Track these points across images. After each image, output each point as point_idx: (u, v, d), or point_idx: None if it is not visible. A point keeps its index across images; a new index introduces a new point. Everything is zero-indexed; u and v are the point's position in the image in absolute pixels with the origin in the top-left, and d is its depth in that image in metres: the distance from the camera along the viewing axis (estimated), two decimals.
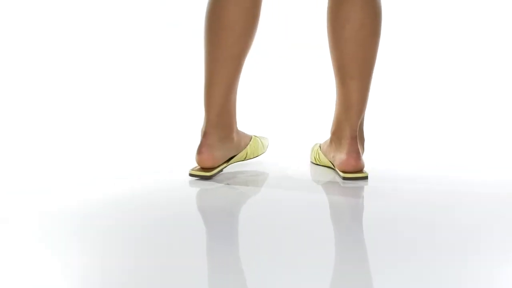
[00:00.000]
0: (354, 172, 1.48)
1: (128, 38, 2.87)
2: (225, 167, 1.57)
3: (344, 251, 1.04)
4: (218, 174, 1.53)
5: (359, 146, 1.51)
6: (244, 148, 1.63)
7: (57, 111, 2.51)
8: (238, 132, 1.61)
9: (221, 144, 1.52)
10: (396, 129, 2.30)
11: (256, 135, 1.74)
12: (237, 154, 1.61)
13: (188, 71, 2.81)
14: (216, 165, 1.51)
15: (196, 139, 1.59)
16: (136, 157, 1.87)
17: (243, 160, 1.66)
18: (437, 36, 2.85)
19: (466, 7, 2.85)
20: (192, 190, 1.45)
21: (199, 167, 1.50)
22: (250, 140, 1.67)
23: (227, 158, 1.56)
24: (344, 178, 1.48)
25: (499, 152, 1.90)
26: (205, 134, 1.50)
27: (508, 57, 2.75)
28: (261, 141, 1.73)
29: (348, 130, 1.51)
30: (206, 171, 1.49)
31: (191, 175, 1.50)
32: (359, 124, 1.53)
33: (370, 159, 1.60)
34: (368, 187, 1.44)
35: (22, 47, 2.76)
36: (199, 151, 1.49)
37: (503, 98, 2.57)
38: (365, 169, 1.50)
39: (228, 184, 1.47)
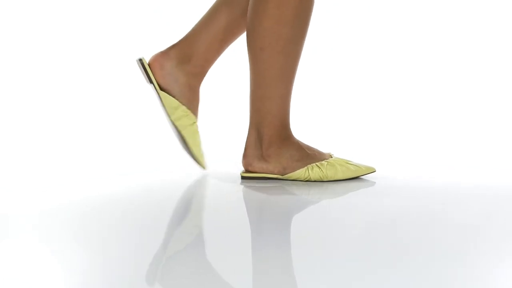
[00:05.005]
0: None
1: (130, 36, 2.86)
2: None
3: (341, 250, 1.04)
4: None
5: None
6: None
7: (56, 110, 2.51)
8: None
9: None
10: (397, 128, 2.30)
11: None
12: None
13: None
14: None
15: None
16: (135, 155, 1.86)
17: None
18: (439, 36, 2.85)
19: (466, 7, 2.85)
20: (191, 189, 1.45)
21: None
22: None
23: None
24: None
25: (502, 152, 1.90)
26: None
27: (506, 59, 2.75)
28: None
29: None
30: None
31: None
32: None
33: (372, 158, 1.60)
34: (368, 186, 1.44)
35: (22, 47, 2.76)
36: None
37: (504, 97, 2.57)
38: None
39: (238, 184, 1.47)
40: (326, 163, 1.46)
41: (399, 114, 2.47)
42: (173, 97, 1.50)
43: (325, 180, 1.45)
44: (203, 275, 0.92)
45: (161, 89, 1.50)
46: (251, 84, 1.45)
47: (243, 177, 1.48)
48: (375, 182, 1.46)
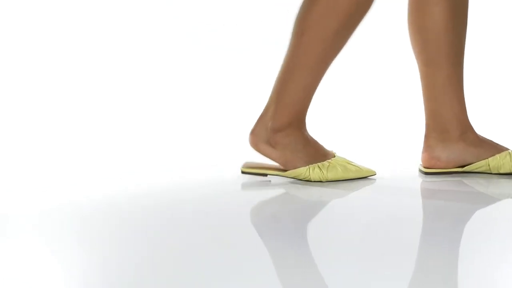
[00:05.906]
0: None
1: (137, 34, 2.86)
2: None
3: (341, 250, 1.03)
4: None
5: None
6: None
7: (57, 110, 2.51)
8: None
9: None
10: (398, 128, 2.30)
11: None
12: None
13: (192, 71, 2.81)
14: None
15: (198, 138, 1.59)
16: (134, 156, 1.86)
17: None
18: None
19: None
20: (191, 189, 1.45)
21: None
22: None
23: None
24: None
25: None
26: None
27: (508, 57, 2.75)
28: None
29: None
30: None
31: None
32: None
33: (372, 158, 1.60)
34: (368, 186, 1.44)
35: (23, 47, 2.76)
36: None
37: (503, 96, 2.57)
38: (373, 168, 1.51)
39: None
40: (328, 164, 1.45)
41: (400, 114, 2.47)
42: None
43: (324, 181, 1.45)
44: (203, 275, 0.92)
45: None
46: (281, 67, 1.42)
47: (243, 172, 1.48)
48: (375, 182, 1.46)
